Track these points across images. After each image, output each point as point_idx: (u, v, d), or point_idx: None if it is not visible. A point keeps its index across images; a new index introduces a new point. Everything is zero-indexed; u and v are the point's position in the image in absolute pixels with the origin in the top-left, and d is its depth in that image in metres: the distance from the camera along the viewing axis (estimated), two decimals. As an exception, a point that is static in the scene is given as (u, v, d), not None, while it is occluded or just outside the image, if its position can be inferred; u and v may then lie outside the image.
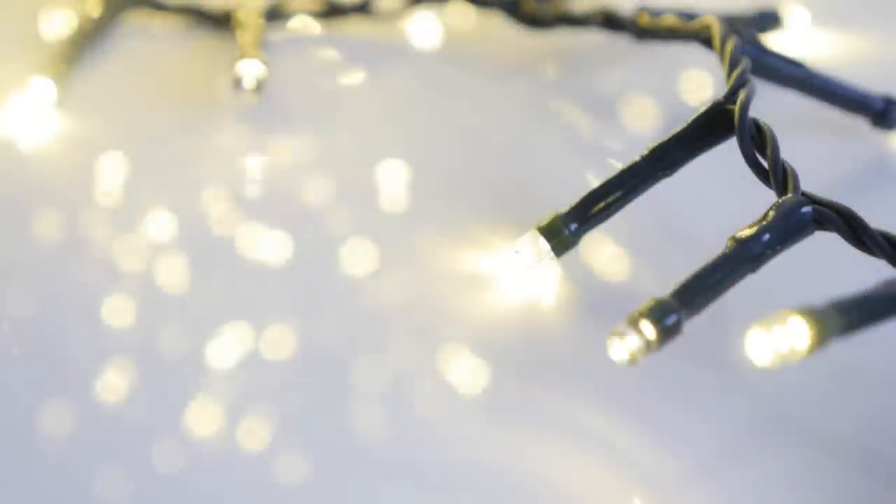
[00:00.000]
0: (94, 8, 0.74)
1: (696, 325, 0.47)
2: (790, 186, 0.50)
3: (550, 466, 0.47)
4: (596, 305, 0.55)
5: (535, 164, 0.64)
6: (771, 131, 0.52)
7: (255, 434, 0.48)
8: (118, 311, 0.54)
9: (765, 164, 0.51)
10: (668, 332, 0.46)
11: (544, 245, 0.53)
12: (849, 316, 0.45)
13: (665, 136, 0.54)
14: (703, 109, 0.54)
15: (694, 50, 0.64)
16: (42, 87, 0.67)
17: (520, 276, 0.55)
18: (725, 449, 0.48)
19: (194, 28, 0.76)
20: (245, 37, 0.71)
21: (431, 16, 0.76)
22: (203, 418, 0.49)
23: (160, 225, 0.60)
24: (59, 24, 0.75)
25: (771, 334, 0.45)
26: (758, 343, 0.45)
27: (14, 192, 0.62)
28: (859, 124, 0.65)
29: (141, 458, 0.47)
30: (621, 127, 0.68)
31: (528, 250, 0.54)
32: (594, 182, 0.54)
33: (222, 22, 0.75)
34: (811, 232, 0.49)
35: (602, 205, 0.53)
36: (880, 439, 0.49)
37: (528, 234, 0.54)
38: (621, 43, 0.70)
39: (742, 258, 0.48)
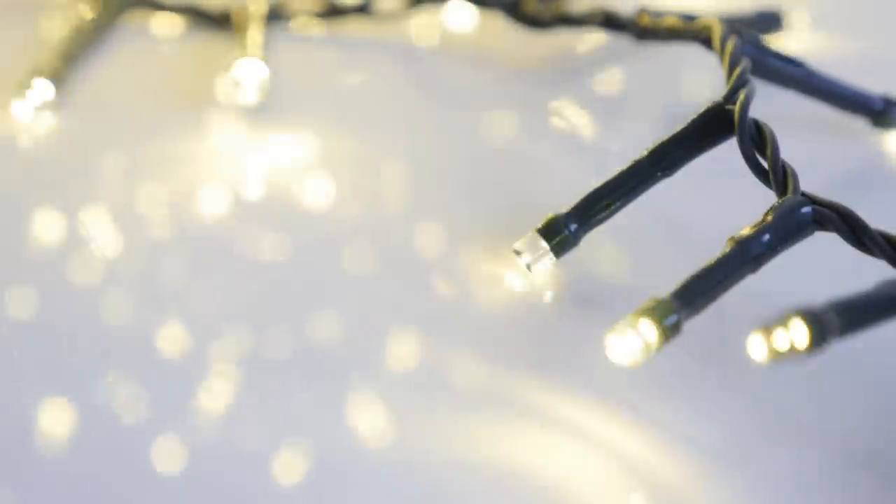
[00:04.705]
0: (94, 8, 0.74)
1: (696, 325, 0.47)
2: (790, 187, 0.50)
3: (550, 466, 0.47)
4: (596, 305, 0.55)
5: (535, 164, 0.64)
6: (771, 131, 0.52)
7: (254, 434, 0.48)
8: (118, 311, 0.54)
9: (765, 164, 0.51)
10: (667, 333, 0.46)
11: (544, 245, 0.54)
12: (849, 316, 0.45)
13: (665, 137, 0.54)
14: (703, 110, 0.54)
15: (694, 50, 0.64)
16: (42, 87, 0.67)
17: (520, 277, 0.55)
18: (726, 449, 0.48)
19: (194, 28, 0.76)
20: (245, 37, 0.71)
21: (431, 16, 0.76)
22: (203, 418, 0.49)
23: (160, 225, 0.60)
24: (58, 25, 0.75)
25: (771, 334, 0.45)
26: (758, 343, 0.45)
27: (14, 192, 0.62)
28: (859, 124, 0.65)
29: (141, 458, 0.47)
30: (621, 127, 0.68)
31: (527, 251, 0.54)
32: (594, 182, 0.54)
33: (222, 22, 0.75)
34: (811, 232, 0.49)
35: (602, 205, 0.53)
36: (880, 439, 0.49)
37: (528, 234, 0.54)
38: (621, 43, 0.70)
39: (742, 258, 0.48)
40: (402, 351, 0.52)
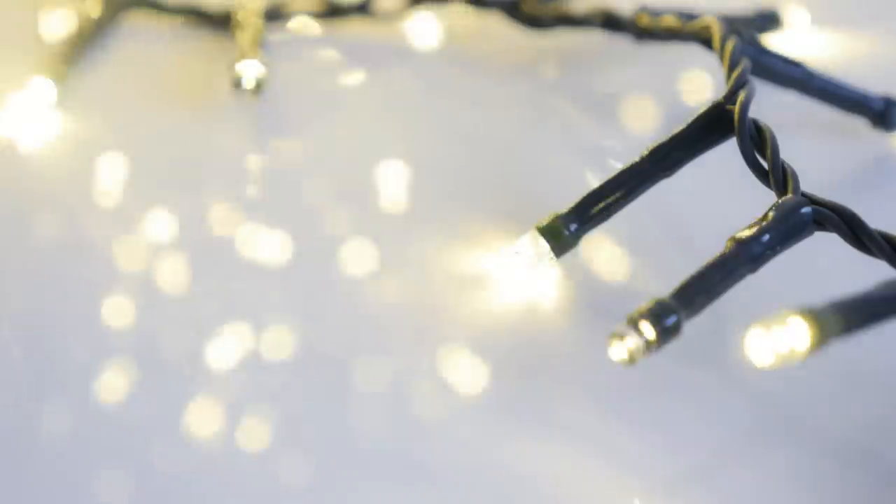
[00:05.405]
0: (94, 8, 0.74)
1: (696, 325, 0.47)
2: (790, 187, 0.50)
3: (550, 466, 0.47)
4: (596, 305, 0.55)
5: (535, 164, 0.64)
6: (771, 132, 0.52)
7: (255, 434, 0.48)
8: (118, 311, 0.54)
9: (765, 164, 0.51)
10: (667, 333, 0.46)
11: (544, 245, 0.53)
12: (849, 316, 0.45)
13: (665, 137, 0.54)
14: (703, 110, 0.54)
15: (694, 50, 0.64)
16: (42, 87, 0.67)
17: (520, 277, 0.55)
18: (725, 449, 0.48)
19: (194, 28, 0.76)
20: (245, 37, 0.71)
21: (431, 16, 0.76)
22: (203, 418, 0.49)
23: (160, 225, 0.60)
24: (58, 25, 0.75)
25: (771, 334, 0.45)
26: (758, 343, 0.45)
27: (14, 192, 0.62)
28: (859, 124, 0.65)
29: (141, 458, 0.47)
30: (621, 127, 0.68)
31: (527, 251, 0.54)
32: (594, 182, 0.54)
33: (222, 22, 0.75)
34: (811, 232, 0.49)
35: (602, 205, 0.53)
36: (880, 439, 0.49)
37: (527, 234, 0.54)
38: (621, 43, 0.70)
39: (742, 259, 0.48)
40: (402, 351, 0.52)
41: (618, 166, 0.54)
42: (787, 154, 0.51)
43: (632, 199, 0.54)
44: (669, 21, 0.66)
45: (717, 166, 0.55)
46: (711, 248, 0.48)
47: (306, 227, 0.60)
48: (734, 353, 0.48)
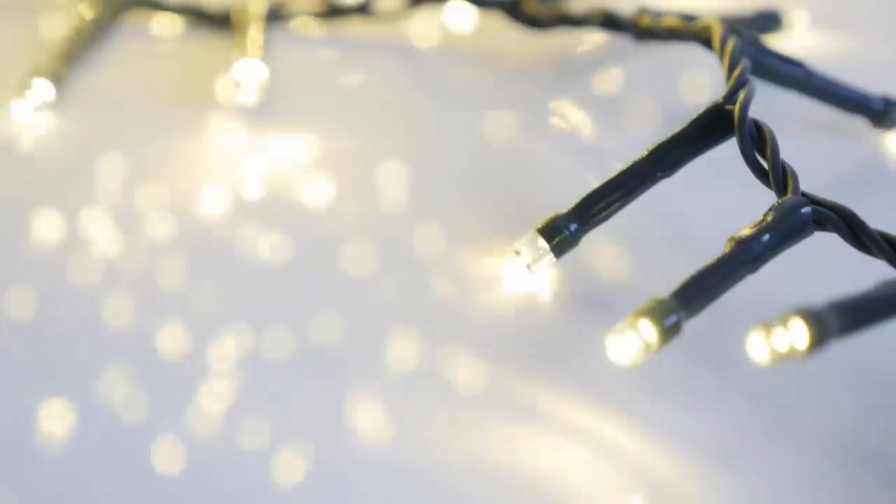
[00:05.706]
0: (94, 8, 0.74)
1: (696, 325, 0.47)
2: (790, 187, 0.50)
3: (550, 466, 0.47)
4: (596, 306, 0.55)
5: (535, 164, 0.64)
6: (771, 132, 0.52)
7: (255, 434, 0.48)
8: (118, 311, 0.54)
9: (765, 164, 0.51)
10: (667, 333, 0.46)
11: (544, 245, 0.54)
12: (849, 316, 0.45)
13: (665, 137, 0.54)
14: (702, 110, 0.54)
15: (694, 50, 0.64)
16: (42, 88, 0.67)
17: (520, 277, 0.55)
18: (725, 449, 0.48)
19: (194, 28, 0.76)
20: (245, 37, 0.71)
21: (431, 16, 0.76)
22: (203, 418, 0.49)
23: (160, 225, 0.60)
24: (58, 25, 0.75)
25: (771, 334, 0.45)
26: (758, 343, 0.45)
27: (14, 191, 0.62)
28: (859, 124, 0.65)
29: (141, 458, 0.47)
30: (621, 127, 0.68)
31: (527, 251, 0.54)
32: (594, 182, 0.54)
33: (222, 22, 0.75)
34: (811, 232, 0.49)
35: (602, 205, 0.53)
36: (880, 439, 0.49)
37: (527, 234, 0.54)
38: (621, 43, 0.70)
39: (742, 259, 0.48)
40: (402, 351, 0.52)
41: (618, 166, 0.54)
42: (787, 154, 0.51)
43: (632, 199, 0.54)
44: (669, 21, 0.66)
45: (717, 166, 0.55)
46: (711, 248, 0.48)
47: (306, 227, 0.60)
48: (734, 353, 0.48)
